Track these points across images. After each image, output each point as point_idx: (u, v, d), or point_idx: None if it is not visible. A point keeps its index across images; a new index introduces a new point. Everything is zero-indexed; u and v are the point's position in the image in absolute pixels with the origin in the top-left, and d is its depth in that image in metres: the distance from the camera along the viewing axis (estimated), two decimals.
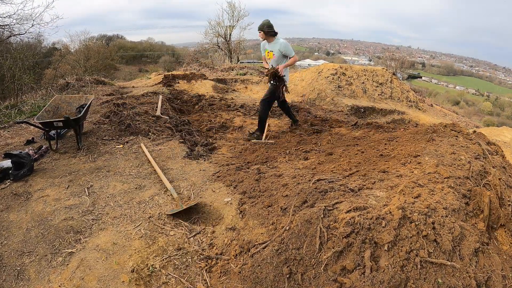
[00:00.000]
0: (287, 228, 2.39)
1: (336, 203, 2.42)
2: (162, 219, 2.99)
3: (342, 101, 10.00)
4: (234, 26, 23.34)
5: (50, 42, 30.56)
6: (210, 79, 11.05)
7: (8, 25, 10.83)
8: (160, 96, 7.95)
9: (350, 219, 2.15)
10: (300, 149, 4.68)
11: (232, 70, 15.42)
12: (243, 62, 21.59)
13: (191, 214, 3.07)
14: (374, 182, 2.82)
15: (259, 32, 5.46)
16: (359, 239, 2.04)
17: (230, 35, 23.40)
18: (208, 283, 2.38)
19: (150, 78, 13.93)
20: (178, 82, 11.84)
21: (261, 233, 2.58)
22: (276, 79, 5.51)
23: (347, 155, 3.90)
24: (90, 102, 4.97)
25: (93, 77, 11.71)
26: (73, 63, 24.16)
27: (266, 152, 4.67)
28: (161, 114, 6.37)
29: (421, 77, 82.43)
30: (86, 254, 2.58)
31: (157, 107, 6.72)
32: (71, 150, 4.62)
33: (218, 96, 9.38)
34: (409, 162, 3.10)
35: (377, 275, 1.87)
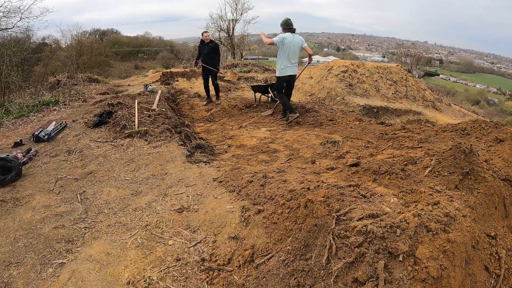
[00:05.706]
0: (295, 237, 2.39)
1: (347, 210, 2.42)
2: (160, 227, 3.00)
3: (354, 101, 9.98)
4: (237, 19, 23.34)
5: (40, 37, 30.88)
6: None
7: None
8: (159, 91, 8.05)
9: (362, 227, 2.14)
10: None
11: (236, 67, 15.46)
12: (247, 59, 21.58)
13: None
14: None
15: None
16: (372, 249, 2.02)
17: (233, 29, 23.41)
18: None
19: (147, 76, 14.00)
20: (177, 80, 11.90)
21: (266, 243, 2.58)
22: None
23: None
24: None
25: (85, 74, 11.82)
26: (65, 59, 24.29)
27: None
28: (157, 108, 6.63)
29: (438, 75, 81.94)
30: (78, 265, 2.59)
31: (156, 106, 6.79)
32: (62, 153, 4.64)
33: (221, 95, 9.41)
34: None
35: (391, 287, 1.86)
